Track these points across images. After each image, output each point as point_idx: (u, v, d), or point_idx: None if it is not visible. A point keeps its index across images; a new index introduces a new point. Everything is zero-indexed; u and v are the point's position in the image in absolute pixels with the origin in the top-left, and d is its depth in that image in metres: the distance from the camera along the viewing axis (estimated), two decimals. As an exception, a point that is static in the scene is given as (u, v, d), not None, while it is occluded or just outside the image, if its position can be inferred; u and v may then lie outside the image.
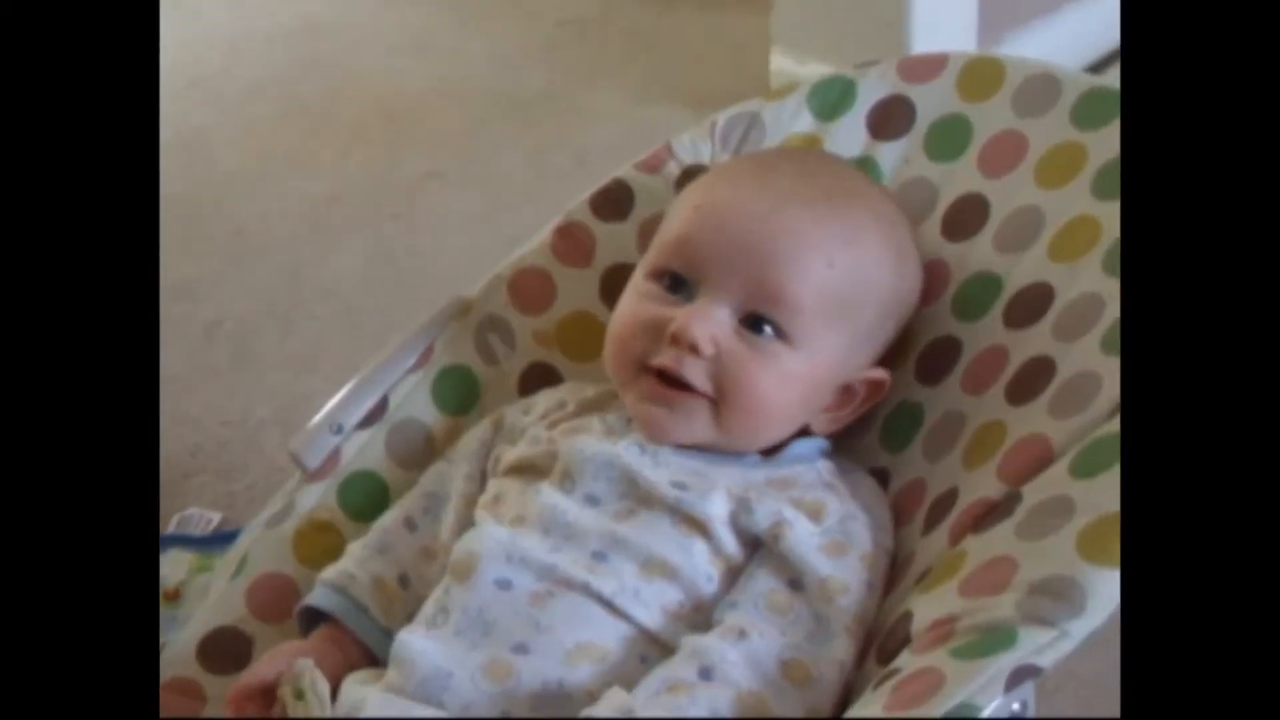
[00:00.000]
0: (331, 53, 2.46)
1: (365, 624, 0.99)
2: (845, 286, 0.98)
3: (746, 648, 0.88)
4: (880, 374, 1.02)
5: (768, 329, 0.97)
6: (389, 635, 0.95)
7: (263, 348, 1.75)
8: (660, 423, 0.97)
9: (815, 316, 0.97)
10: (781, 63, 2.03)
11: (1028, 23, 1.99)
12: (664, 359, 0.97)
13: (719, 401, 0.96)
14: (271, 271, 1.89)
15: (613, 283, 1.11)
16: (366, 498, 1.09)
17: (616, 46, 2.40)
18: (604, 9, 2.52)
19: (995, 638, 0.79)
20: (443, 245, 1.92)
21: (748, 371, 0.96)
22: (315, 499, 1.08)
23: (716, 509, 0.94)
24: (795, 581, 0.91)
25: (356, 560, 1.02)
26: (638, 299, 1.01)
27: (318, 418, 1.09)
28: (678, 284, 0.99)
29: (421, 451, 1.11)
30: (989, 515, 0.90)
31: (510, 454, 1.02)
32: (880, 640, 0.90)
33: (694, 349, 0.95)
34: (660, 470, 0.96)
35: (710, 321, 0.96)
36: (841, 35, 1.94)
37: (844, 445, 1.05)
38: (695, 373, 0.96)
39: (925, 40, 1.85)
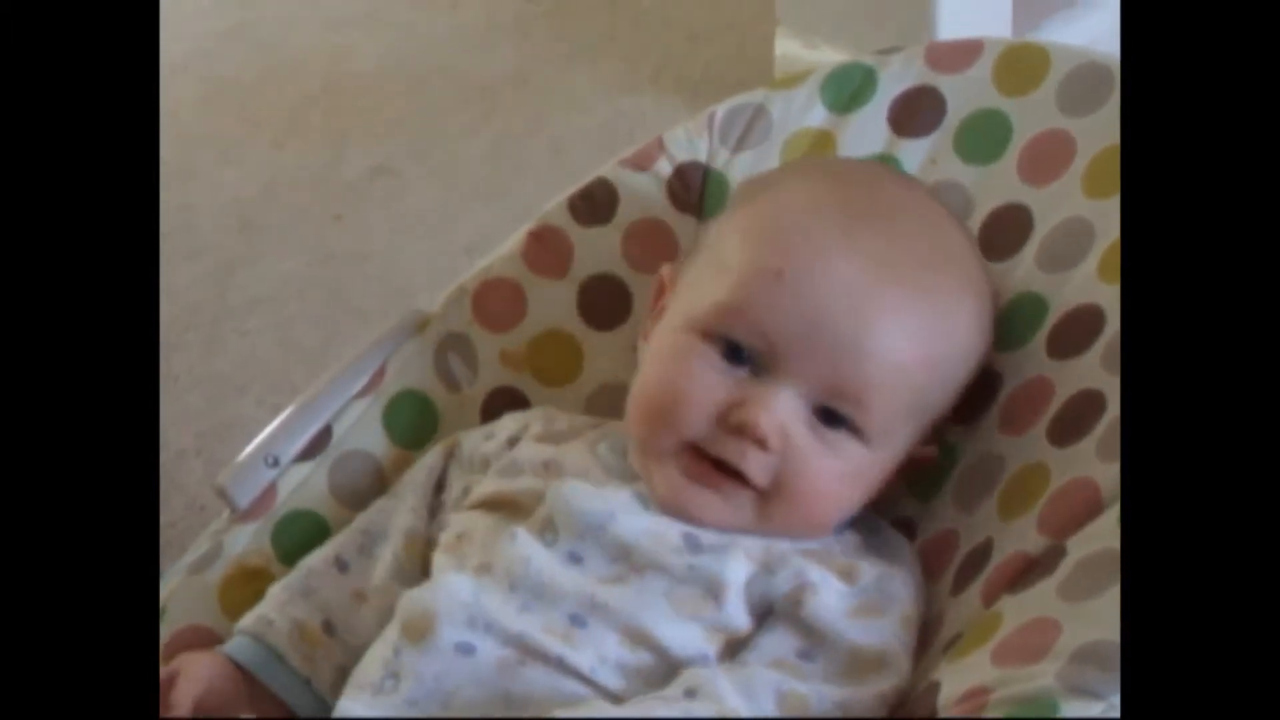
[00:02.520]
0: (265, 26, 2.46)
1: (283, 676, 0.99)
2: (934, 379, 0.98)
3: (743, 674, 0.88)
4: (931, 452, 1.02)
5: (839, 421, 0.96)
6: (309, 687, 0.95)
7: (183, 365, 1.74)
8: (699, 505, 0.96)
9: (897, 416, 0.97)
10: (788, 46, 2.03)
11: (1072, 5, 1.99)
12: (724, 450, 0.95)
13: (771, 495, 0.95)
14: (194, 277, 1.89)
15: (592, 296, 1.11)
16: (305, 541, 1.08)
17: (597, 24, 2.39)
18: (579, -20, 2.51)
19: (1033, 712, 0.79)
20: (394, 250, 1.91)
21: (813, 469, 0.95)
22: (246, 542, 1.08)
23: (736, 573, 0.93)
24: (807, 651, 0.91)
25: (275, 603, 1.02)
26: (685, 360, 0.97)
27: (250, 448, 1.09)
28: (738, 355, 0.97)
29: (370, 488, 1.11)
30: (1028, 572, 0.91)
31: (482, 486, 1.02)
32: (903, 716, 0.90)
33: (762, 444, 0.94)
34: (665, 525, 0.95)
35: (783, 412, 0.95)
36: (857, 17, 1.94)
37: None
38: (757, 468, 0.95)
39: (953, 24, 1.85)
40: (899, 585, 0.96)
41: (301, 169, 2.09)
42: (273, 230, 1.97)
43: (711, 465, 0.95)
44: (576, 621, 0.91)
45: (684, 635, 0.91)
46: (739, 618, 0.92)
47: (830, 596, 0.93)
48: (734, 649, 0.92)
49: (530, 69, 2.28)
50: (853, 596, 0.94)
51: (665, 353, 1.00)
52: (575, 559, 0.95)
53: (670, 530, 0.95)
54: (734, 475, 0.95)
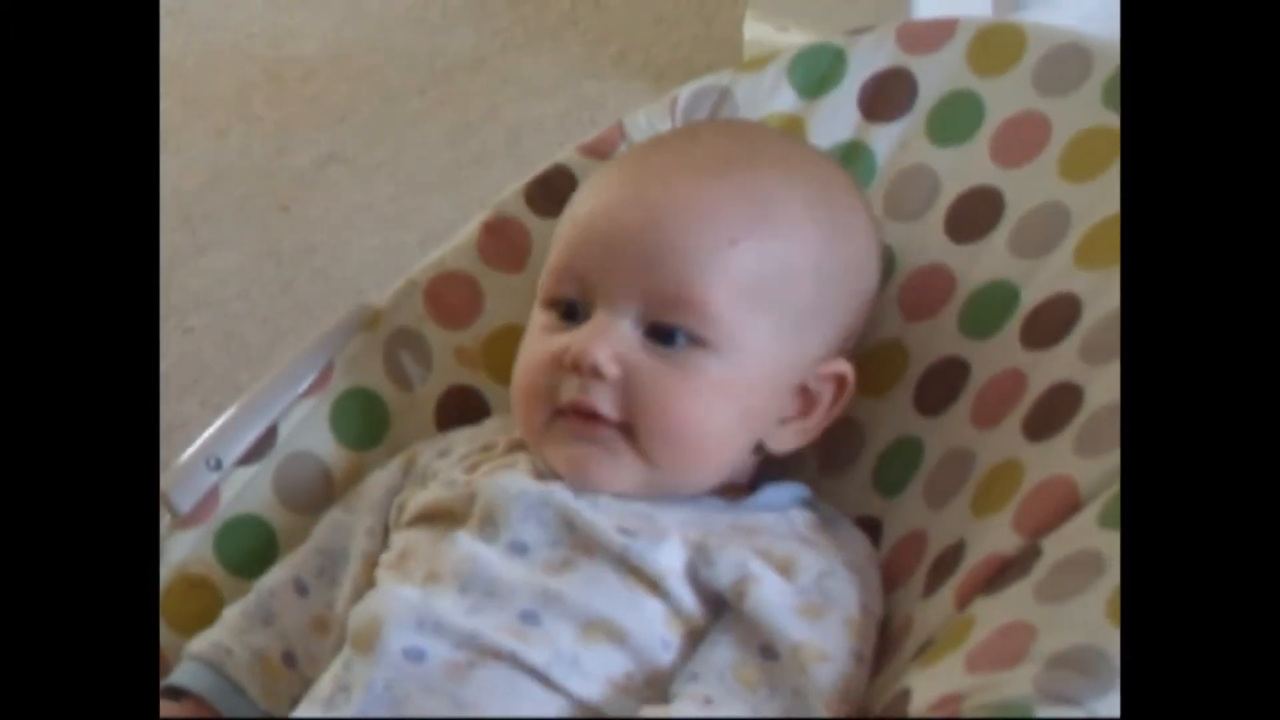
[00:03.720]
0: (204, 5, 2.45)
1: (242, 708, 1.00)
2: (759, 265, 0.99)
3: (711, 713, 0.89)
4: (840, 366, 1.02)
5: (679, 337, 0.98)
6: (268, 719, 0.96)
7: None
8: (583, 465, 0.98)
9: (730, 309, 0.98)
10: (757, 29, 2.04)
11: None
12: (570, 392, 0.98)
13: (636, 432, 0.97)
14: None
15: (554, 290, 1.12)
16: (250, 548, 1.09)
17: (559, 6, 2.38)
18: (541, -41, 2.51)
19: (1008, 718, 0.80)
20: (344, 243, 1.92)
21: (662, 389, 0.97)
22: (188, 549, 1.09)
23: (670, 560, 0.95)
24: (767, 648, 0.92)
25: (234, 630, 1.03)
26: (534, 336, 1.02)
27: (191, 450, 1.10)
28: (571, 311, 1.00)
29: (317, 492, 1.12)
30: (1003, 573, 0.91)
31: (417, 499, 1.03)
32: (869, 722, 0.91)
33: (595, 372, 0.97)
34: (601, 514, 0.97)
35: (609, 338, 0.97)
36: (829, -3, 1.95)
37: (828, 488, 1.06)
38: (603, 400, 0.97)
39: (931, 5, 1.86)
40: (842, 584, 0.96)
41: (245, 158, 2.09)
42: (216, 223, 1.97)
43: (573, 417, 0.98)
44: (529, 619, 0.93)
45: (643, 619, 0.93)
46: (690, 604, 0.94)
47: (772, 591, 0.94)
48: (695, 640, 0.93)
49: (487, 52, 2.28)
50: (796, 595, 0.94)
51: (525, 337, 1.04)
52: (519, 549, 0.96)
53: (608, 509, 0.97)
54: (596, 419, 0.97)
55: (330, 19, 2.40)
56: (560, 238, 1.03)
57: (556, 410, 0.99)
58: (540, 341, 1.01)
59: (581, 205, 1.04)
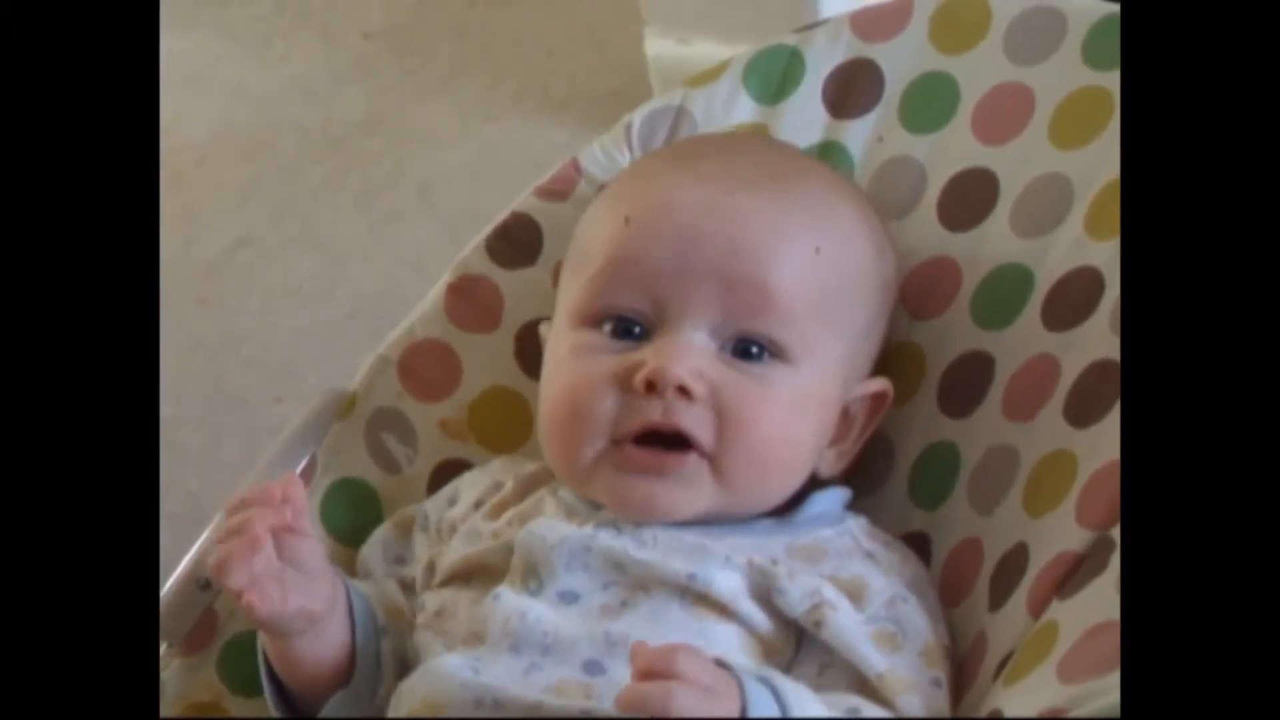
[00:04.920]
0: (84, 105, 2.40)
1: None
2: (836, 274, 0.97)
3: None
4: (881, 384, 1.00)
5: (759, 349, 0.94)
6: None
7: (59, 490, 1.68)
8: (655, 499, 0.93)
9: (812, 319, 0.95)
10: (660, 46, 2.00)
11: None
12: (649, 416, 0.92)
13: (720, 454, 0.93)
14: (56, 392, 1.82)
15: (531, 345, 1.08)
16: (255, 665, 1.02)
17: (444, 53, 2.36)
18: (417, 11, 2.48)
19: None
20: (270, 328, 1.87)
21: (751, 406, 0.93)
22: (191, 678, 1.05)
23: (733, 583, 0.91)
24: (854, 680, 0.89)
25: None
26: (574, 358, 0.96)
27: (177, 575, 1.06)
28: (625, 328, 0.95)
29: None
30: (1076, 572, 0.88)
31: (448, 557, 0.98)
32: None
33: (683, 391, 0.92)
34: (649, 549, 0.93)
35: (692, 353, 0.93)
36: (732, 3, 1.91)
37: (863, 509, 1.01)
38: (694, 421, 0.92)
39: (835, 2, 1.83)
40: (911, 610, 0.93)
41: (153, 255, 2.03)
42: (133, 327, 1.91)
43: (648, 449, 0.93)
44: (593, 669, 0.89)
45: (718, 646, 0.88)
46: (763, 623, 0.91)
47: (847, 620, 0.91)
48: (772, 660, 0.90)
49: (381, 111, 2.25)
50: (869, 623, 0.91)
51: (553, 362, 0.99)
52: (569, 598, 0.92)
53: (655, 542, 0.93)
54: (675, 445, 0.93)
55: (214, 101, 2.36)
56: (599, 240, 0.98)
57: (615, 440, 0.93)
58: (586, 363, 0.95)
59: (629, 204, 0.98)
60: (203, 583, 1.04)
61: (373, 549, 1.05)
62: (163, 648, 1.05)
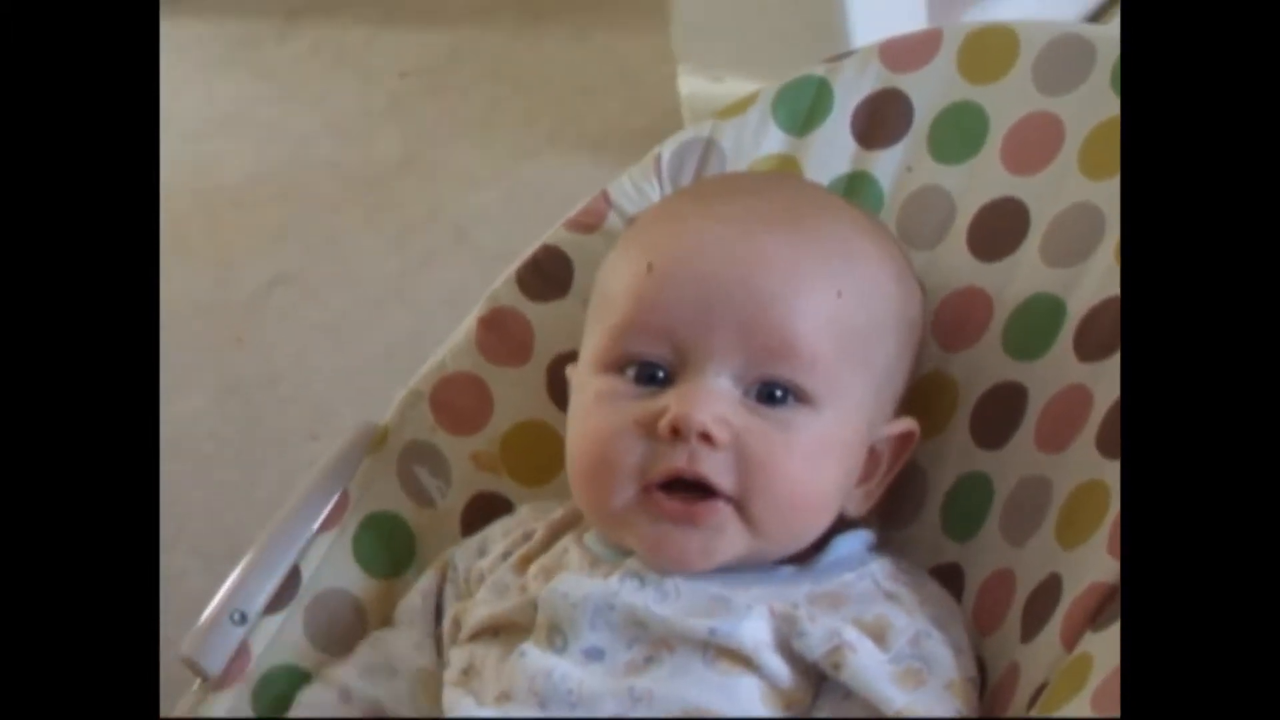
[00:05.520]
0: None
1: None
2: (858, 316, 0.96)
3: None
4: (908, 424, 0.99)
5: (783, 394, 0.93)
6: None
7: (97, 527, 1.69)
8: (688, 550, 0.92)
9: (835, 362, 0.94)
10: (693, 84, 2.01)
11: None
12: (674, 462, 0.92)
13: (746, 500, 0.92)
14: (93, 430, 1.83)
15: (562, 377, 1.07)
16: (291, 699, 1.04)
17: (479, 93, 2.38)
18: (453, 50, 2.49)
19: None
20: (306, 367, 1.87)
21: (776, 452, 0.92)
22: (225, 712, 1.04)
23: (758, 633, 0.90)
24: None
25: None
26: (598, 405, 0.96)
27: (211, 608, 1.05)
28: (648, 373, 0.95)
29: (351, 629, 1.07)
30: (1109, 604, 0.87)
31: (474, 613, 0.98)
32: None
33: (706, 438, 0.91)
34: (671, 603, 0.92)
35: (714, 399, 0.92)
36: (763, 39, 1.92)
37: (896, 542, 1.01)
38: (718, 469, 0.91)
39: (868, 33, 1.83)
40: (937, 646, 0.92)
41: (189, 294, 2.04)
42: (169, 366, 1.91)
43: (677, 497, 0.92)
44: None
45: (740, 701, 0.89)
46: (784, 676, 0.90)
47: (869, 659, 0.90)
48: (794, 712, 0.90)
49: (417, 151, 2.26)
50: (893, 662, 0.90)
51: (579, 407, 0.98)
52: (594, 655, 0.92)
53: (677, 594, 0.92)
54: (700, 492, 0.92)
55: (251, 142, 2.38)
56: (621, 287, 0.97)
57: (645, 486, 0.93)
58: (611, 410, 0.95)
59: (650, 251, 0.97)
60: (238, 617, 1.04)
61: (417, 600, 1.05)
62: (197, 682, 1.04)
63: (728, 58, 1.98)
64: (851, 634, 0.90)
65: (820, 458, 0.94)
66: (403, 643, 1.02)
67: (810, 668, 0.90)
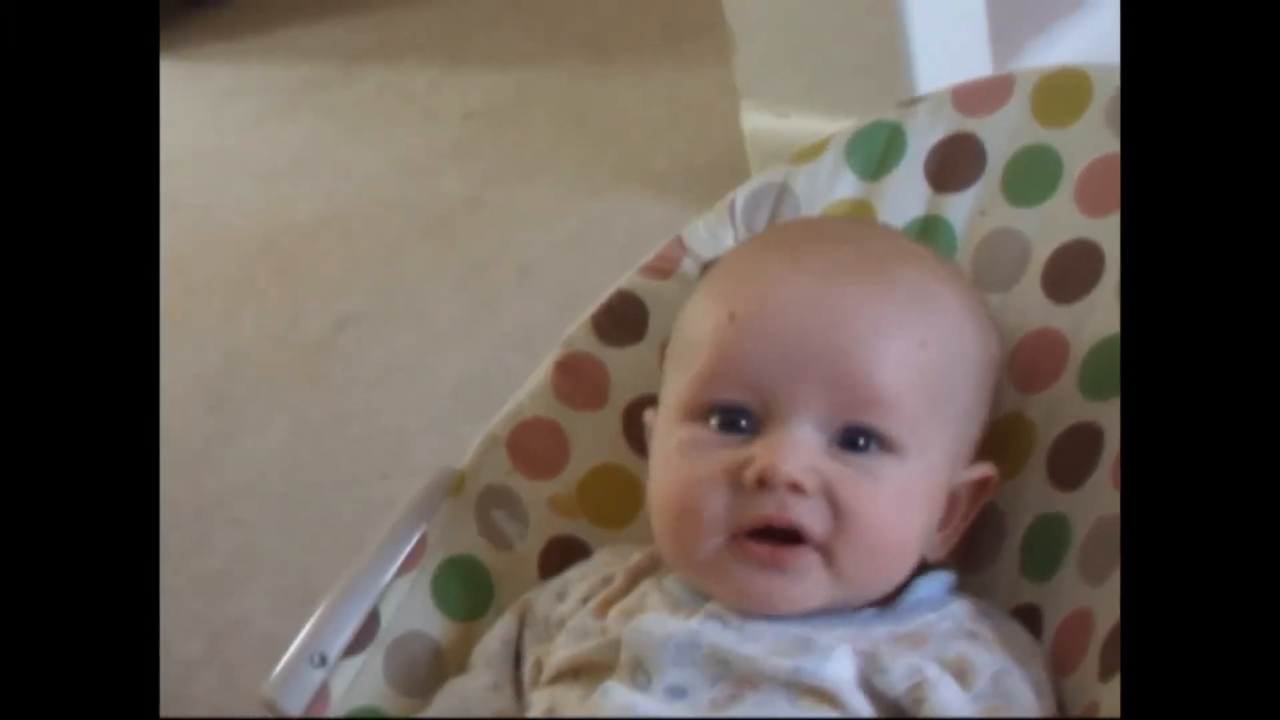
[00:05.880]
0: (190, 191, 2.43)
1: None
2: (940, 363, 0.96)
3: None
4: (986, 470, 0.99)
5: (867, 442, 0.94)
6: None
7: (170, 569, 1.69)
8: (773, 593, 0.93)
9: (919, 411, 0.94)
10: (757, 120, 2.01)
11: (1047, 27, 1.98)
12: (764, 509, 0.92)
13: (833, 547, 0.92)
14: (166, 470, 1.82)
15: (639, 422, 1.08)
16: (372, 741, 1.05)
17: (544, 131, 2.38)
18: (517, 90, 2.50)
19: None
20: (376, 406, 1.88)
21: (864, 500, 0.92)
22: None
23: (843, 671, 0.90)
24: None
25: None
26: (683, 453, 0.96)
27: (292, 650, 1.05)
28: (732, 421, 0.95)
29: (431, 671, 1.07)
30: None
31: (555, 656, 0.98)
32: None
33: (795, 487, 0.91)
34: (754, 643, 0.92)
35: (801, 449, 0.92)
36: (827, 75, 1.92)
37: (975, 585, 1.01)
38: (808, 515, 0.92)
39: (932, 67, 1.83)
40: (1017, 683, 0.92)
41: (260, 335, 2.06)
42: (242, 406, 1.94)
43: (765, 543, 0.93)
44: None
45: None
46: (865, 712, 0.90)
47: (951, 697, 0.90)
48: None
49: (482, 191, 2.27)
50: (975, 700, 0.90)
51: (662, 455, 0.98)
52: (677, 693, 0.91)
53: (760, 636, 0.92)
54: (789, 539, 0.92)
55: (318, 183, 2.39)
56: (705, 337, 0.97)
57: (733, 536, 0.93)
58: (696, 458, 0.95)
59: (733, 300, 0.97)
60: (317, 659, 1.04)
61: (495, 645, 1.05)
62: (280, 725, 1.05)
63: (792, 93, 1.98)
64: (933, 671, 0.90)
65: (906, 505, 0.94)
66: (478, 685, 1.02)
67: (893, 705, 0.90)
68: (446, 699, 1.03)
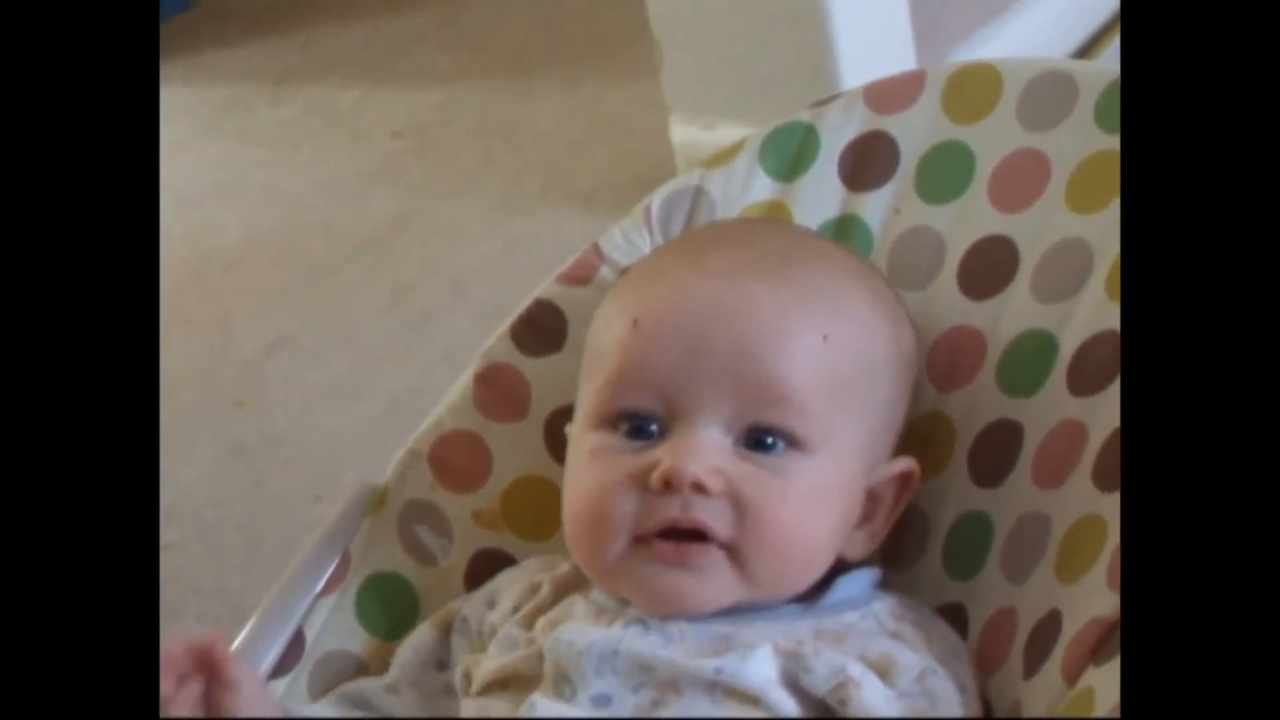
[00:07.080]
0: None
1: None
2: (847, 360, 0.96)
3: None
4: (906, 464, 0.99)
5: (774, 440, 0.93)
6: None
7: (104, 598, 1.68)
8: (681, 591, 0.93)
9: (826, 407, 0.94)
10: (685, 133, 2.01)
11: (970, 34, 1.99)
12: (668, 512, 0.92)
13: (740, 546, 0.92)
14: (97, 499, 1.83)
15: (561, 432, 1.07)
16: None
17: (470, 150, 2.38)
18: (443, 109, 2.50)
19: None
20: (308, 428, 1.87)
21: (770, 499, 0.92)
22: None
23: (765, 670, 0.90)
24: None
25: None
26: (592, 461, 0.96)
27: None
28: (640, 427, 0.95)
29: None
30: (1109, 638, 0.87)
31: (484, 666, 0.98)
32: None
33: (699, 488, 0.91)
34: (675, 646, 0.92)
35: (706, 450, 0.92)
36: (754, 86, 1.93)
37: (899, 583, 1.01)
38: (713, 515, 0.92)
39: (858, 76, 1.82)
40: (942, 682, 0.92)
41: (189, 360, 2.05)
42: (172, 432, 1.91)
43: (669, 541, 0.92)
44: None
45: None
46: (790, 711, 0.89)
47: (875, 696, 0.90)
48: None
49: (410, 210, 2.27)
50: (900, 698, 0.90)
51: (574, 465, 0.98)
52: (602, 702, 0.91)
53: (682, 637, 0.92)
54: (693, 537, 0.92)
55: (242, 206, 2.38)
56: (610, 344, 0.98)
57: (638, 537, 0.93)
58: (604, 465, 0.95)
59: (637, 305, 0.98)
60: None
61: (407, 654, 1.04)
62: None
63: (719, 105, 1.98)
64: (857, 670, 0.90)
65: (815, 503, 0.94)
66: (376, 685, 1.03)
67: (818, 704, 0.90)
68: (339, 694, 1.04)
